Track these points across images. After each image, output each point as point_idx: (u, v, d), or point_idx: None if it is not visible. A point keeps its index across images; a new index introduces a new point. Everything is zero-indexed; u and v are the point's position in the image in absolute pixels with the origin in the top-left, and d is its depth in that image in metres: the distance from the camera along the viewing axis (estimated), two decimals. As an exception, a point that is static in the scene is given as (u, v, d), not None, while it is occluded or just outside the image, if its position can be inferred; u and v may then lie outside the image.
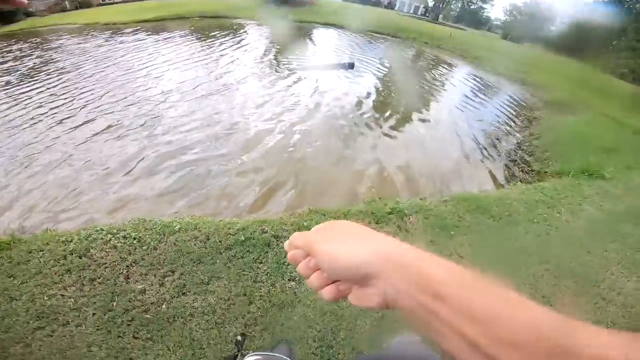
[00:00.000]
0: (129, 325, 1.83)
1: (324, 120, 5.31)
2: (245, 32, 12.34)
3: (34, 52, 8.73)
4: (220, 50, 9.08)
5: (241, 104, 5.58)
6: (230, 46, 9.66)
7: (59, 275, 2.04)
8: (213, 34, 11.13)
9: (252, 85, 6.58)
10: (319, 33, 14.64)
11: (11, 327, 1.82)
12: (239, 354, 1.05)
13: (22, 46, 9.66)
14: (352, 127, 5.22)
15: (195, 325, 1.86)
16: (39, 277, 2.04)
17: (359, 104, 6.34)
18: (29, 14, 16.67)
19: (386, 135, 5.17)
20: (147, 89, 5.98)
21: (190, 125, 4.69)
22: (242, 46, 9.90)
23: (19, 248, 2.20)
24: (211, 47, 9.38)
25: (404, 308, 0.33)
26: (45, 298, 1.95)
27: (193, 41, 10.06)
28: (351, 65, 8.73)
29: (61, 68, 7.26)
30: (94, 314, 1.88)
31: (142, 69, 7.11)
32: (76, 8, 20.18)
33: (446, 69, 11.60)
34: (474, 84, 9.84)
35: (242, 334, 1.78)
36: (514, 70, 12.04)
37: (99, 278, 2.04)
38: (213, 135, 4.43)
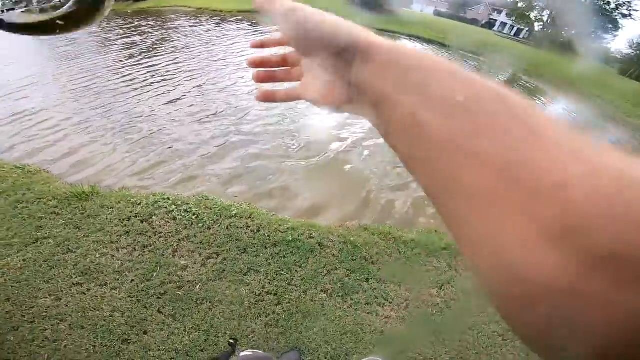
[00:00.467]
0: (159, 298, 1.88)
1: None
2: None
3: (157, 30, 9.81)
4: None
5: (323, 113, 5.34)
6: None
7: (117, 236, 2.17)
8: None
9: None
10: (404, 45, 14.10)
11: (53, 279, 1.95)
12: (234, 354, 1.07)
13: (148, 23, 10.98)
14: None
15: (220, 313, 1.84)
16: (100, 234, 2.18)
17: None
18: (156, -7, 18.74)
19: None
20: (243, 80, 6.16)
21: (277, 126, 4.64)
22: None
23: (94, 201, 2.41)
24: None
25: (368, 102, 0.27)
26: (97, 256, 2.07)
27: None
28: None
29: (177, 48, 8.00)
30: (132, 280, 1.95)
31: (241, 59, 7.36)
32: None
33: (544, 101, 10.34)
34: (574, 124, 8.53)
35: (234, 339, 1.78)
36: (628, 112, 10.26)
37: (151, 246, 2.13)
38: (296, 138, 4.36)
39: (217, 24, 11.13)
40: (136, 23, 10.72)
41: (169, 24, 10.91)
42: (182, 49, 7.94)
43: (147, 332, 1.75)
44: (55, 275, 1.98)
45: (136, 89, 5.39)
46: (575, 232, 0.14)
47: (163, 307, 1.85)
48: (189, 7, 14.72)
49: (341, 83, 0.30)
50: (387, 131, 0.26)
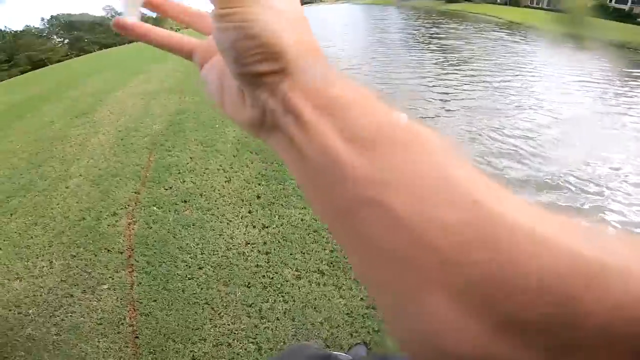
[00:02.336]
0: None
1: None
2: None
3: (470, 42, 9.04)
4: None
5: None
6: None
7: (325, 240, 1.90)
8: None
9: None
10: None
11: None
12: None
13: (450, 26, 10.49)
14: None
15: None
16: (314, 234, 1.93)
17: None
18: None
19: None
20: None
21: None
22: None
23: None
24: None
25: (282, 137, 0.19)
26: (302, 254, 1.80)
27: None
28: None
29: (468, 58, 7.11)
30: (348, 303, 1.62)
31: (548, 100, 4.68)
32: (505, 4, 20.80)
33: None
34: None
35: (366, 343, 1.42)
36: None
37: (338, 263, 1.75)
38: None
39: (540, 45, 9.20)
40: (443, 24, 10.48)
41: (486, 34, 9.96)
42: (481, 60, 6.99)
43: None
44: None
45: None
46: (484, 299, 0.14)
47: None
48: (499, 18, 13.08)
49: (252, 101, 0.20)
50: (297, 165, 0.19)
